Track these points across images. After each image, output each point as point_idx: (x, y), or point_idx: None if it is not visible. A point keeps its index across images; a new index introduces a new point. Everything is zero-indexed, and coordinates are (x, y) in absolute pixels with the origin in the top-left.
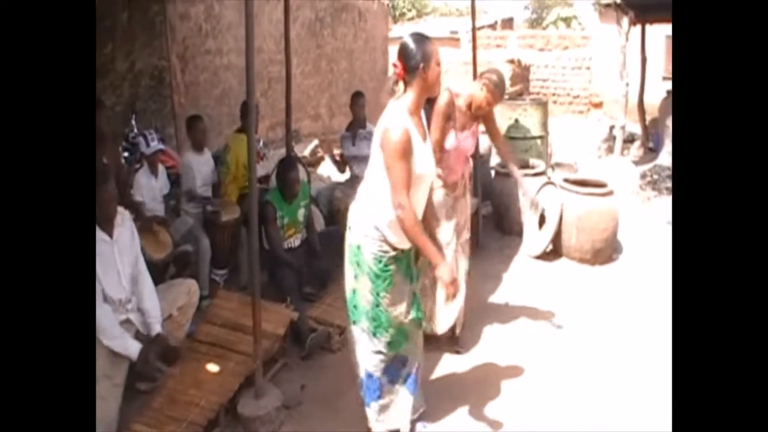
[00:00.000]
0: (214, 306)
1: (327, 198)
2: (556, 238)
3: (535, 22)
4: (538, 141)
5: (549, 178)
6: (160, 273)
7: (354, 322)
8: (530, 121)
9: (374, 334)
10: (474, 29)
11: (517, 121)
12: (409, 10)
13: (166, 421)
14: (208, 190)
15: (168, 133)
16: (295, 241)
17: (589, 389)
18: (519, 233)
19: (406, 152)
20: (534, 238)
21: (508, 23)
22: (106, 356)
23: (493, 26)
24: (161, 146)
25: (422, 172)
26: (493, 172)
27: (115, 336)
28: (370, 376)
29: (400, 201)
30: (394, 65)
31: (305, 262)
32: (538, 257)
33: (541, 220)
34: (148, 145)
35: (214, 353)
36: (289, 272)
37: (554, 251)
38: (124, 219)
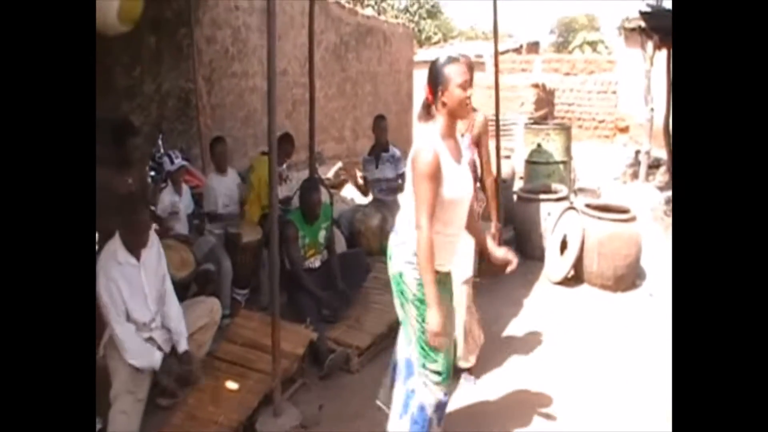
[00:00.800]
0: (235, 325)
1: (348, 220)
2: (578, 264)
3: (561, 46)
4: (561, 166)
5: (571, 203)
6: (182, 291)
7: (405, 353)
8: (553, 145)
9: (423, 365)
10: (496, 53)
11: (539, 145)
12: (435, 34)
13: None
14: (232, 210)
15: (194, 153)
16: (316, 262)
17: (610, 417)
18: (540, 258)
19: (433, 174)
20: (555, 264)
21: (533, 47)
22: (129, 372)
23: (518, 50)
24: (184, 163)
25: (454, 196)
26: (515, 197)
27: (137, 355)
28: (422, 409)
29: (420, 222)
30: (425, 89)
31: (325, 284)
32: (560, 283)
33: (563, 246)
34: (172, 163)
35: (233, 371)
36: (308, 293)
37: (576, 277)
38: (152, 241)
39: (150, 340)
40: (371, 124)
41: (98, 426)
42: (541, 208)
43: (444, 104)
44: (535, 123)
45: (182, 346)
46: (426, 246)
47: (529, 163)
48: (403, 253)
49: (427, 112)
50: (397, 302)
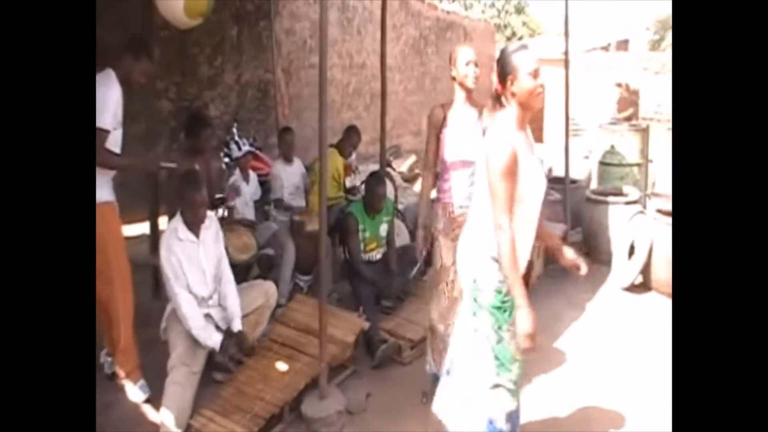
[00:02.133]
0: (289, 309)
1: (414, 213)
2: (646, 270)
3: (656, 44)
4: (635, 168)
5: (643, 207)
6: (242, 273)
7: (478, 362)
8: (627, 147)
9: (498, 374)
10: (567, 51)
11: (613, 146)
12: (522, 30)
13: (233, 411)
14: (297, 199)
15: (270, 143)
16: (377, 255)
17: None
18: (608, 262)
19: (512, 170)
20: (623, 269)
21: (622, 45)
22: (186, 346)
23: (606, 48)
24: (250, 148)
25: (530, 190)
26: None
27: (200, 325)
28: (492, 422)
29: (500, 222)
30: (494, 78)
31: (385, 276)
32: (627, 289)
33: (631, 251)
34: (240, 149)
35: (284, 353)
36: (366, 284)
37: (644, 284)
38: (211, 222)
39: (207, 316)
40: None
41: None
42: (609, 211)
43: (514, 94)
44: (612, 123)
45: (236, 326)
46: (510, 246)
47: (602, 164)
48: (477, 258)
49: (498, 103)
50: (467, 310)
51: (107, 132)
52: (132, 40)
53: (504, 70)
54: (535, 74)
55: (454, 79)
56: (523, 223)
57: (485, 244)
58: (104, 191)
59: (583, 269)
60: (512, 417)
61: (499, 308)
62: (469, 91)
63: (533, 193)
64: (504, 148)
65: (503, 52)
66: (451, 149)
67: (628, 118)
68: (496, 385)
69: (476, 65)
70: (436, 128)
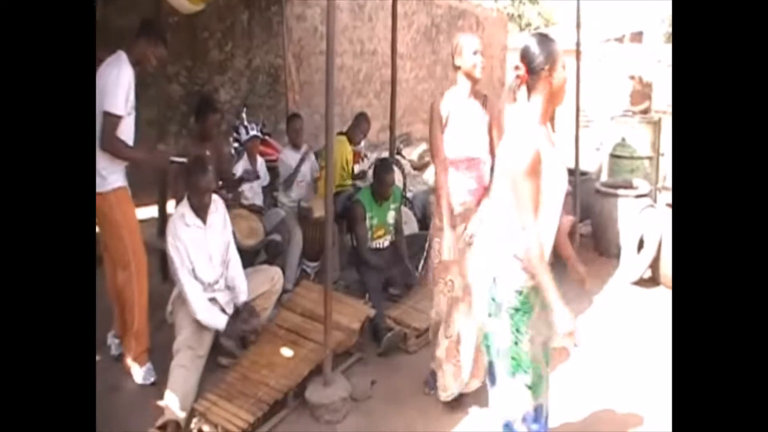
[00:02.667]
0: (296, 294)
1: (422, 202)
2: (655, 265)
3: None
4: (647, 161)
5: (653, 201)
6: (249, 259)
7: (492, 364)
8: (638, 139)
9: (513, 374)
10: (579, 41)
11: (623, 139)
12: (536, 20)
13: (237, 395)
14: (305, 185)
15: (280, 129)
16: (384, 243)
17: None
18: (617, 255)
19: (535, 170)
20: (632, 263)
21: (637, 37)
22: (192, 329)
23: (620, 39)
24: (258, 134)
25: (551, 188)
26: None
27: (203, 309)
28: (508, 425)
29: (526, 222)
30: (516, 68)
31: (392, 263)
32: (635, 283)
33: (641, 245)
34: (247, 133)
35: (289, 339)
36: (373, 271)
37: (652, 278)
38: (218, 206)
39: (213, 300)
40: None
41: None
42: (619, 204)
43: (550, 84)
44: (623, 116)
45: (242, 299)
46: (539, 246)
47: (613, 156)
48: (496, 257)
49: (513, 96)
50: (483, 309)
51: (119, 117)
52: (144, 23)
53: (541, 58)
54: (564, 66)
55: (457, 68)
56: (545, 221)
57: (506, 243)
58: (118, 177)
59: (587, 286)
60: (528, 419)
61: (518, 310)
62: (475, 82)
63: (555, 190)
64: (527, 147)
65: (544, 39)
66: (454, 145)
67: (644, 111)
68: (513, 387)
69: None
70: (440, 121)
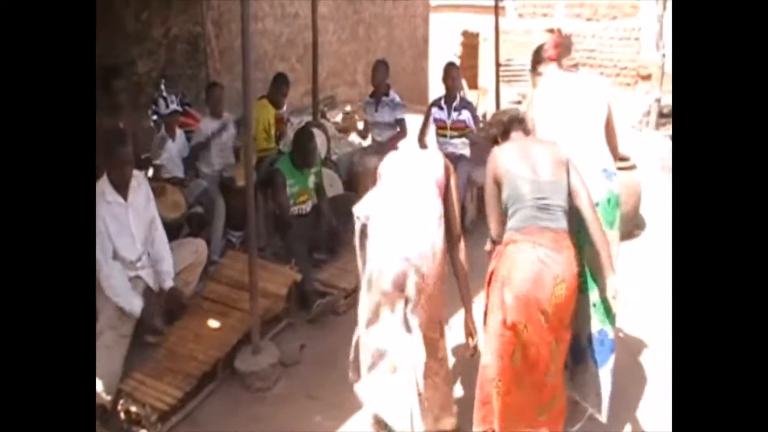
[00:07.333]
0: (222, 265)
1: (347, 163)
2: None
3: None
4: None
5: None
6: (173, 232)
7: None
8: None
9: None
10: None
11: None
12: None
13: (165, 373)
14: (227, 154)
15: (202, 98)
16: (306, 208)
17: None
18: None
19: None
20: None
21: None
22: (114, 309)
23: None
24: (178, 107)
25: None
26: None
27: (120, 293)
28: (603, 332)
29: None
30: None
31: (316, 228)
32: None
33: None
34: (167, 107)
35: (216, 310)
36: (297, 237)
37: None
38: (139, 182)
39: (137, 278)
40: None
41: None
42: None
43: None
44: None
45: (167, 285)
46: (598, 221)
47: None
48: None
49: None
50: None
51: None
52: None
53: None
54: None
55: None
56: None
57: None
58: None
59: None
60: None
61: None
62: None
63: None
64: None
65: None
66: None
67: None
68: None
69: None
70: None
